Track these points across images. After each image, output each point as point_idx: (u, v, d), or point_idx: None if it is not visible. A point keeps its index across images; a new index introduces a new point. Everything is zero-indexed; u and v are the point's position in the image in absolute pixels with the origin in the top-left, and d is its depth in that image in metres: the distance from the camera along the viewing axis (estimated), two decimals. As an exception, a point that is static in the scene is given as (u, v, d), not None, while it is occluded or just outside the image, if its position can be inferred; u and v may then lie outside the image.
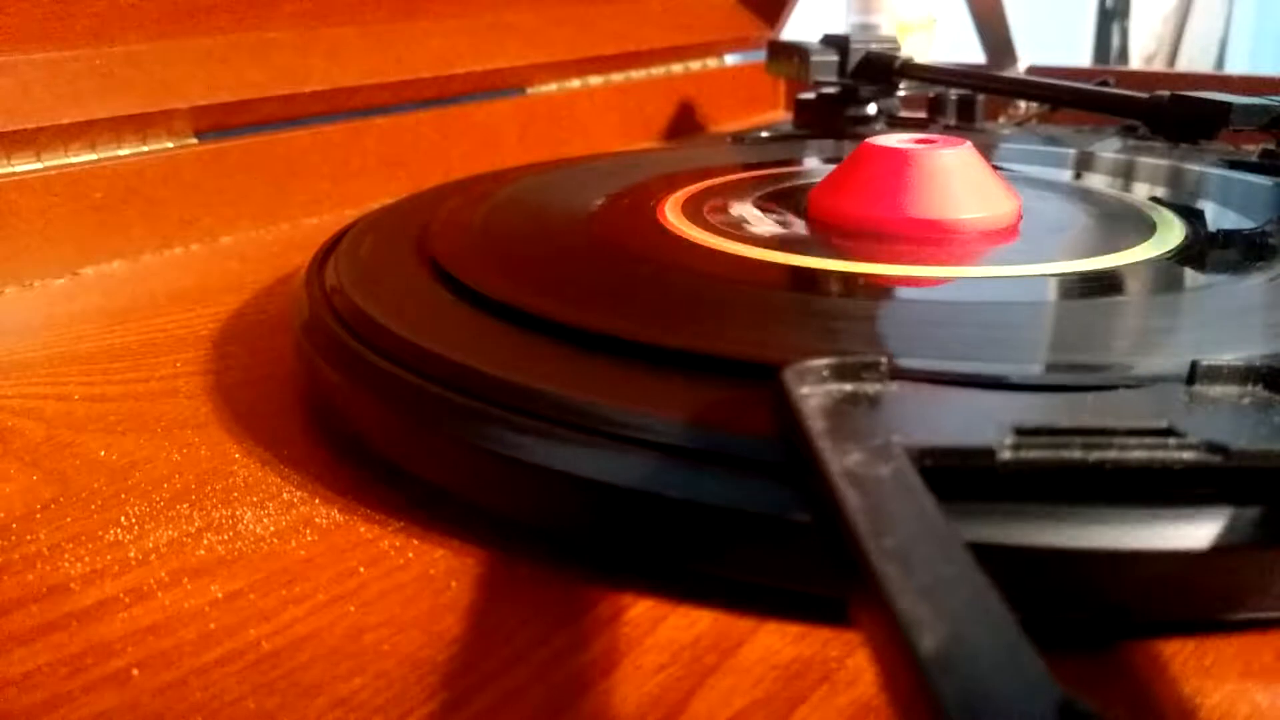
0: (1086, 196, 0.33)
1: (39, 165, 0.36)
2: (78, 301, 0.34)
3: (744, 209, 0.32)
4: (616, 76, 0.61)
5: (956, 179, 0.29)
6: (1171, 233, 0.28)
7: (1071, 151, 0.41)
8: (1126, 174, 0.37)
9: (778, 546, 0.16)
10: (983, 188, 0.29)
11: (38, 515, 0.20)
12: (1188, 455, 0.15)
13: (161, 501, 0.21)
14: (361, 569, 0.18)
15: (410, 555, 0.19)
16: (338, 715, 0.15)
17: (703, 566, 0.17)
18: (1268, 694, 0.15)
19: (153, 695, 0.15)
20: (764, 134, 0.50)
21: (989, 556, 0.12)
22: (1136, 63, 1.77)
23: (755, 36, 0.69)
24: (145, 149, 0.39)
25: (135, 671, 0.16)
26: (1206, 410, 0.17)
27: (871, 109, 0.50)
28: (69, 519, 0.20)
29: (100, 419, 0.25)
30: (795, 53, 0.50)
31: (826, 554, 0.14)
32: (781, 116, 0.67)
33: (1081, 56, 1.76)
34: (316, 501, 0.21)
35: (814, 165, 0.41)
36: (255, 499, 0.21)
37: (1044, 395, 0.18)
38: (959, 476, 0.15)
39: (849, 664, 0.16)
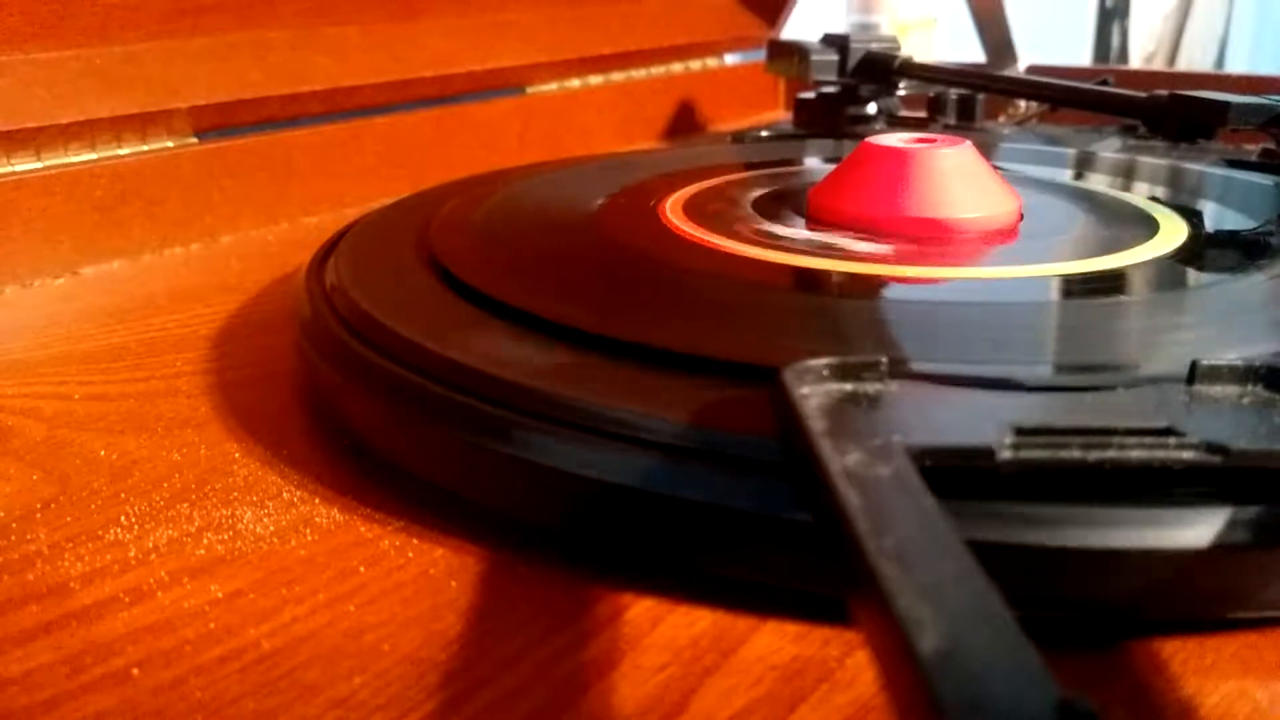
0: (1086, 196, 0.33)
1: (39, 164, 0.36)
2: (78, 301, 0.34)
3: (744, 209, 0.32)
4: (616, 76, 0.61)
5: (956, 179, 0.29)
6: (1171, 232, 0.28)
7: (1071, 151, 0.41)
8: (1126, 173, 0.37)
9: (777, 546, 0.16)
10: (983, 187, 0.29)
11: (37, 515, 0.20)
12: (1187, 455, 0.15)
13: (161, 501, 0.21)
14: (361, 568, 0.19)
15: (410, 555, 0.19)
16: (338, 714, 0.15)
17: (702, 566, 0.17)
18: (1268, 693, 0.15)
19: (153, 694, 0.15)
20: (764, 133, 0.50)
21: (989, 556, 0.12)
22: (1136, 62, 1.77)
23: (755, 36, 0.69)
24: (145, 148, 0.39)
25: (135, 671, 0.16)
26: (1206, 410, 0.17)
27: (871, 108, 0.50)
28: (69, 518, 0.20)
29: (100, 418, 0.25)
30: (795, 52, 0.50)
31: (826, 554, 0.14)
32: (781, 116, 0.67)
33: (1081, 56, 1.76)
34: (316, 501, 0.21)
35: (814, 165, 0.41)
36: (255, 498, 0.21)
37: (1044, 395, 0.18)
38: (959, 476, 0.15)
39: (848, 663, 0.16)
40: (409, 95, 0.49)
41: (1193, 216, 0.30)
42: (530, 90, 0.55)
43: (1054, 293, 0.24)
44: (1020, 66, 0.62)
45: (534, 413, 0.19)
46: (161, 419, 0.25)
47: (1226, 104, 0.34)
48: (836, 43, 0.49)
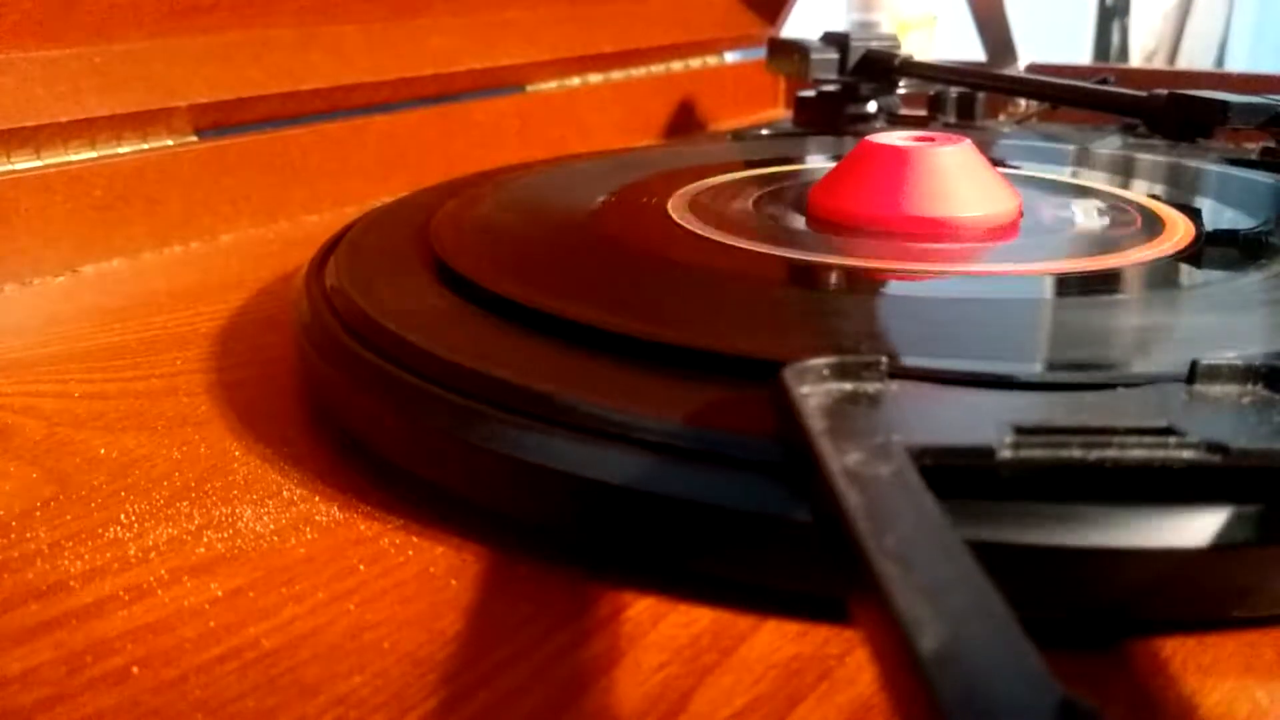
0: (1086, 194, 0.33)
1: (39, 163, 0.36)
2: (77, 299, 0.34)
3: (744, 207, 0.32)
4: (617, 74, 0.61)
5: (956, 177, 0.29)
6: (1171, 231, 0.28)
7: (1071, 149, 0.41)
8: (1127, 172, 0.37)
9: (777, 546, 0.16)
10: (983, 186, 0.29)
11: (37, 513, 0.20)
12: (1187, 454, 0.15)
13: (161, 499, 0.21)
14: (361, 567, 0.19)
15: (410, 553, 0.19)
16: (337, 713, 0.15)
17: (703, 565, 0.17)
18: (1268, 692, 0.15)
19: (153, 693, 0.15)
20: (764, 132, 0.50)
21: (989, 555, 0.12)
22: (1136, 61, 1.77)
23: (755, 34, 0.69)
24: (145, 147, 0.39)
25: (135, 669, 0.16)
26: (1206, 409, 0.17)
27: (871, 107, 0.50)
28: (69, 517, 0.20)
29: (100, 417, 0.25)
30: (795, 50, 0.50)
31: (827, 553, 0.14)
32: (782, 114, 0.67)
33: (1082, 54, 1.76)
34: (316, 499, 0.21)
35: (814, 163, 0.41)
36: (255, 497, 0.21)
37: (1044, 394, 0.18)
38: (959, 475, 0.15)
39: (848, 662, 0.16)
40: (409, 94, 0.49)
41: (1193, 215, 0.30)
42: (530, 89, 0.55)
43: (1053, 291, 0.24)
44: (1020, 65, 0.62)
45: (534, 412, 0.19)
46: (161, 417, 0.25)
47: (1226, 103, 0.34)
48: (837, 41, 0.49)
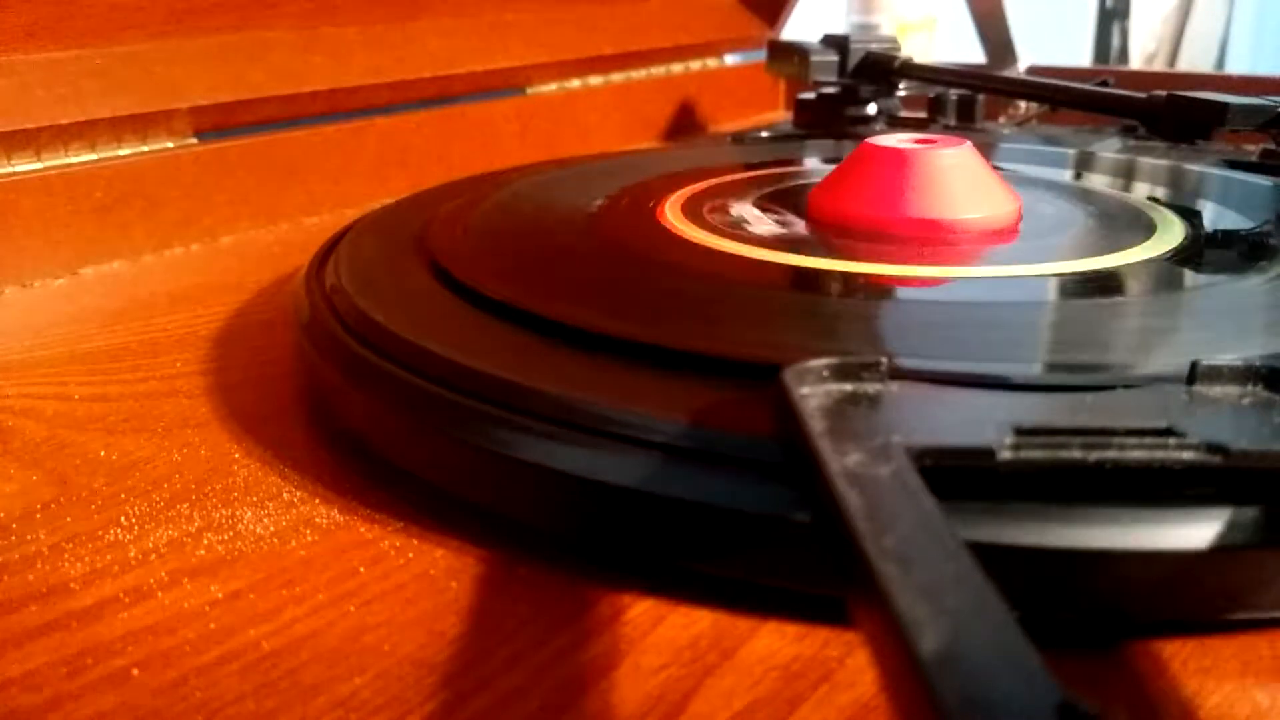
0: (1086, 196, 0.33)
1: (39, 165, 0.36)
2: (77, 302, 0.34)
3: (744, 209, 0.32)
4: (616, 76, 0.61)
5: (956, 179, 0.29)
6: (1171, 233, 0.28)
7: (1071, 151, 0.41)
8: (1126, 174, 0.37)
9: (778, 546, 0.16)
10: (983, 188, 0.29)
11: (38, 515, 0.20)
12: (1187, 455, 0.15)
13: (161, 501, 0.21)
14: (361, 569, 0.19)
15: (410, 555, 0.19)
16: (337, 715, 0.15)
17: (703, 566, 0.17)
18: (1267, 693, 0.15)
19: (153, 695, 0.15)
20: (764, 134, 0.50)
21: (989, 556, 0.12)
22: (1137, 63, 1.77)
23: (755, 36, 0.69)
24: (145, 149, 0.39)
25: (135, 671, 0.16)
26: (1206, 410, 0.17)
27: (871, 109, 0.50)
28: (69, 519, 0.20)
29: (100, 419, 0.25)
30: (795, 52, 0.50)
31: (826, 554, 0.14)
32: (781, 116, 0.67)
33: (1082, 57, 1.76)
34: (316, 501, 0.21)
35: (814, 165, 0.41)
36: (255, 499, 0.21)
37: (1044, 395, 0.18)
38: (959, 476, 0.15)
39: (849, 664, 0.16)
40: (409, 96, 0.49)
41: (1192, 217, 0.30)
42: (530, 90, 0.56)
43: (1054, 293, 0.24)
44: (1020, 67, 0.62)
45: (533, 413, 0.19)
46: (162, 419, 0.25)
47: (1225, 105, 0.34)
48: (836, 43, 0.49)
